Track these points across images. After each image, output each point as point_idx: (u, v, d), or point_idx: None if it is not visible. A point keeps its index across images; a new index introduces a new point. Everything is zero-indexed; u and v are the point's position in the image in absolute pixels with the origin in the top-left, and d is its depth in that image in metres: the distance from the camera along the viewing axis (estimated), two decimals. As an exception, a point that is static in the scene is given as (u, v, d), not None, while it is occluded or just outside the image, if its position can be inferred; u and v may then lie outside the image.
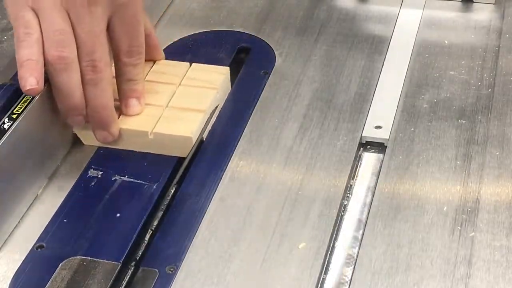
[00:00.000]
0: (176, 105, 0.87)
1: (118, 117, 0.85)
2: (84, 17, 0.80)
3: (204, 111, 0.86)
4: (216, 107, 0.89)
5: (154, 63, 0.93)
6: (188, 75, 0.91)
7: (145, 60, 0.87)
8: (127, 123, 0.85)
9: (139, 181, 0.82)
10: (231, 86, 0.94)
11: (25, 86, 0.78)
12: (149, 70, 0.91)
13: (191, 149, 0.84)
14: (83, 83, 0.81)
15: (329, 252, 0.76)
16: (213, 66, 0.93)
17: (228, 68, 0.93)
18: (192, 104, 0.87)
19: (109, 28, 0.83)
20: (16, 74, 0.80)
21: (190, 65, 0.92)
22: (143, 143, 0.85)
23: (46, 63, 0.80)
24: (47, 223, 0.78)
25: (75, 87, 0.81)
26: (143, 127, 0.85)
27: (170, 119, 0.85)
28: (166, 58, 0.94)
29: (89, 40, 0.80)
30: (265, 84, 0.94)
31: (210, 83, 0.90)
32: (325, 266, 0.75)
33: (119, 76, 0.86)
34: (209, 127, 0.87)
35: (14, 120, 0.79)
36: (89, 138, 0.86)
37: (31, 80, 0.78)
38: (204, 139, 0.87)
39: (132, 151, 0.86)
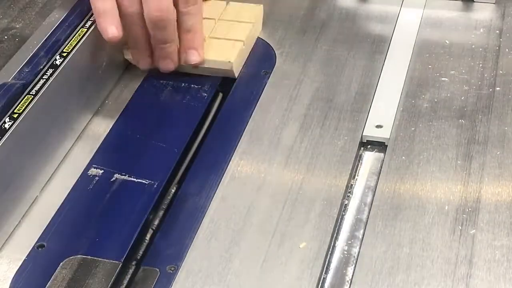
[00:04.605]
0: (217, 36, 0.96)
1: None
2: None
3: (243, 41, 0.96)
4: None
5: None
6: (226, 12, 1.00)
7: None
8: None
9: (140, 180, 0.82)
10: (233, 86, 0.94)
11: (107, 35, 0.87)
12: None
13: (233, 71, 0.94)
14: (150, 25, 0.90)
15: (330, 252, 0.76)
16: (248, 4, 1.02)
17: (261, 6, 1.02)
18: (231, 35, 0.96)
19: None
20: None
21: (227, 4, 1.02)
22: (189, 68, 0.95)
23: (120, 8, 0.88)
24: (47, 222, 0.78)
25: (141, 37, 0.91)
26: None
27: (212, 47, 0.95)
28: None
29: None
30: (265, 84, 0.94)
31: (246, 18, 0.99)
32: (325, 265, 0.75)
33: (179, 26, 0.92)
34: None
35: (15, 120, 0.79)
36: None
37: (111, 29, 0.87)
38: (205, 139, 0.87)
39: (135, 150, 0.86)
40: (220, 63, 0.94)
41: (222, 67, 0.94)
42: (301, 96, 0.92)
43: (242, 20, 0.99)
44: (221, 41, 0.96)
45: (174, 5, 0.90)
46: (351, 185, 0.83)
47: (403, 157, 0.84)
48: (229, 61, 0.93)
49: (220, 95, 0.95)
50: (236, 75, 0.95)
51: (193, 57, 0.93)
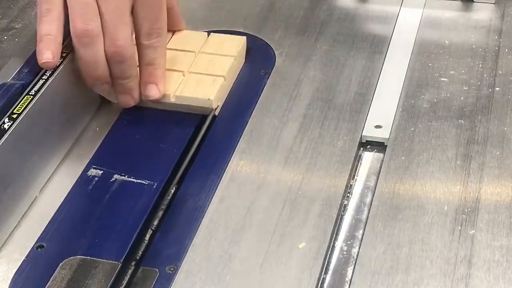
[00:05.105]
0: (196, 70, 0.92)
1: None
2: None
3: (223, 76, 0.91)
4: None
5: (174, 32, 0.97)
6: (207, 44, 0.96)
7: (168, 31, 0.90)
8: None
9: (139, 181, 0.82)
10: (232, 86, 0.94)
11: (41, 59, 0.82)
12: (170, 39, 0.95)
13: (213, 110, 0.89)
14: (106, 59, 0.84)
15: (329, 252, 0.76)
16: (230, 35, 0.97)
17: (244, 37, 0.97)
18: (212, 70, 0.92)
19: (132, 10, 0.85)
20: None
21: (208, 35, 0.97)
22: (165, 105, 0.90)
23: (72, 36, 0.83)
24: (47, 223, 0.78)
25: (99, 60, 0.84)
26: (165, 90, 0.89)
27: (191, 83, 0.90)
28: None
29: (113, 19, 0.83)
30: (265, 84, 0.94)
31: (228, 51, 0.95)
32: (325, 266, 0.75)
33: (140, 59, 0.88)
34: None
35: (14, 120, 0.79)
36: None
37: (47, 54, 0.82)
38: (205, 139, 0.87)
39: (134, 150, 0.86)
40: (199, 101, 0.89)
41: (201, 105, 0.89)
42: (300, 96, 0.93)
43: (223, 54, 0.94)
44: (201, 76, 0.91)
45: (136, 37, 0.86)
46: (351, 185, 0.83)
47: (403, 157, 0.84)
48: (209, 99, 0.88)
49: (220, 95, 0.95)
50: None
51: (152, 92, 0.88)
